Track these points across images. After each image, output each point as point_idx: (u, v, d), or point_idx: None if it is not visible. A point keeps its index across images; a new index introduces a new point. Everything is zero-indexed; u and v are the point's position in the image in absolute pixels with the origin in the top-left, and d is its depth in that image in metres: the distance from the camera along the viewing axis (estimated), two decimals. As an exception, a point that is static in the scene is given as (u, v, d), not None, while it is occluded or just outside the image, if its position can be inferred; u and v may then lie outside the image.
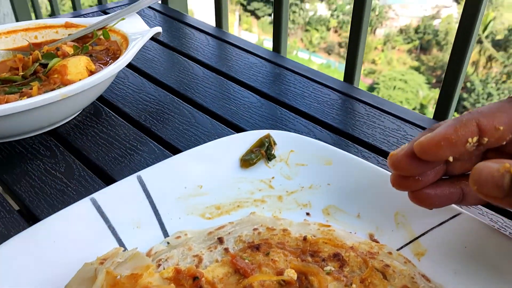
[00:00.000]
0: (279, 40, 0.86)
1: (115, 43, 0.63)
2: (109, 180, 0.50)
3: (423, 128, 0.61)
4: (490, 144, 0.30)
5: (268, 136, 0.51)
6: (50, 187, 0.49)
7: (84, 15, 0.91)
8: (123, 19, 0.64)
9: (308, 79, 0.72)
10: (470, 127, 0.30)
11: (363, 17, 0.71)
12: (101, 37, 0.63)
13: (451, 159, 0.31)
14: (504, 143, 0.30)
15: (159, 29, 0.63)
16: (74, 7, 1.19)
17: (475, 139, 0.30)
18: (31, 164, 0.52)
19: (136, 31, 0.63)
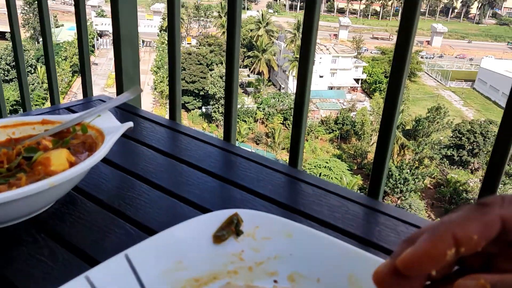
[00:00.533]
0: (230, 131, 0.97)
1: (91, 137, 0.70)
2: (92, 261, 0.54)
3: (362, 205, 0.72)
4: (466, 252, 0.31)
5: (236, 215, 0.59)
6: (38, 270, 0.52)
7: (40, 115, 0.97)
8: (99, 116, 0.72)
9: (260, 164, 0.82)
10: (447, 240, 0.31)
11: (304, 109, 0.85)
12: (78, 132, 0.70)
13: (434, 273, 0.32)
14: (479, 249, 0.32)
15: (131, 124, 0.71)
16: (24, 109, 1.24)
17: (453, 250, 0.30)
18: (16, 250, 0.55)
19: (110, 125, 0.71)
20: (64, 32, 41.96)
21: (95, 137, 0.70)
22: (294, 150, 0.87)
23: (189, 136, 0.92)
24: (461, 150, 35.82)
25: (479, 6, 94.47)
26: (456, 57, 68.03)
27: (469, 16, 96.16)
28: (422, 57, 61.33)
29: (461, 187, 33.47)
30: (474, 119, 41.16)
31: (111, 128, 0.70)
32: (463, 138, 35.37)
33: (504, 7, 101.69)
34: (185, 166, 0.80)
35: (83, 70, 1.19)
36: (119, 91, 1.12)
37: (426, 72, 62.15)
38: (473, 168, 37.42)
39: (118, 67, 1.13)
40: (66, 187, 0.62)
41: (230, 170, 0.80)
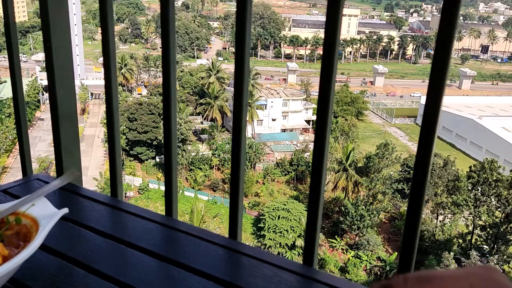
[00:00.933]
0: (171, 205, 1.00)
1: (25, 226, 0.71)
2: None
3: (295, 273, 0.76)
4: None
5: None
6: None
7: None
8: (33, 205, 0.73)
9: (199, 238, 0.85)
10: None
11: (239, 188, 0.89)
12: (13, 222, 0.70)
13: None
14: None
15: (66, 210, 0.73)
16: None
17: None
18: None
19: (45, 213, 0.72)
20: (8, 88, 40.76)
21: (29, 226, 0.71)
22: (233, 221, 0.91)
23: (129, 213, 0.94)
24: (410, 182, 36.96)
25: (414, 48, 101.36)
26: (387, 94, 73.14)
27: (406, 57, 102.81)
28: (365, 97, 64.43)
29: (414, 220, 34.21)
30: (420, 153, 42.83)
31: (45, 216, 0.71)
32: (411, 171, 36.64)
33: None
34: (124, 247, 0.82)
35: (21, 148, 1.19)
36: (59, 169, 1.12)
37: (372, 111, 65.06)
38: (424, 200, 38.57)
39: (57, 143, 1.14)
40: (0, 282, 0.62)
41: (169, 247, 0.83)
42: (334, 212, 34.79)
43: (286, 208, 31.03)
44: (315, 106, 56.10)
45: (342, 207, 33.14)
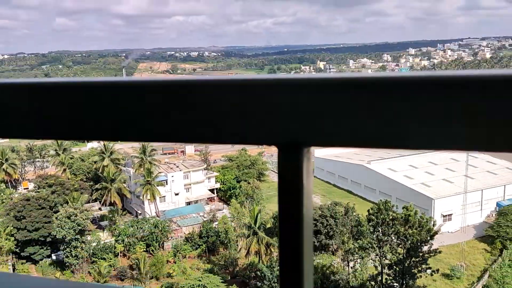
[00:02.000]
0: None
1: None
2: None
3: None
4: None
5: None
6: None
7: None
8: None
9: None
10: None
11: None
12: None
13: None
14: None
15: None
16: None
17: None
18: None
19: None
20: None
21: None
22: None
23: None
24: (318, 235, 38.15)
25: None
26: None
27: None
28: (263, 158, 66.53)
29: (327, 270, 35.08)
30: (322, 204, 44.86)
31: None
32: (317, 223, 37.91)
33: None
34: None
35: None
36: None
37: (272, 170, 67.30)
38: (333, 250, 39.92)
39: None
40: None
41: None
42: (251, 278, 34.11)
43: (201, 284, 29.70)
44: (217, 174, 56.42)
45: (258, 272, 32.66)
